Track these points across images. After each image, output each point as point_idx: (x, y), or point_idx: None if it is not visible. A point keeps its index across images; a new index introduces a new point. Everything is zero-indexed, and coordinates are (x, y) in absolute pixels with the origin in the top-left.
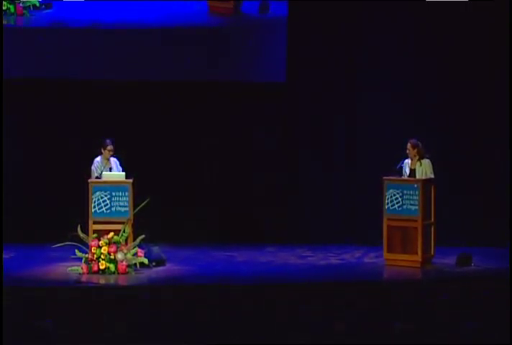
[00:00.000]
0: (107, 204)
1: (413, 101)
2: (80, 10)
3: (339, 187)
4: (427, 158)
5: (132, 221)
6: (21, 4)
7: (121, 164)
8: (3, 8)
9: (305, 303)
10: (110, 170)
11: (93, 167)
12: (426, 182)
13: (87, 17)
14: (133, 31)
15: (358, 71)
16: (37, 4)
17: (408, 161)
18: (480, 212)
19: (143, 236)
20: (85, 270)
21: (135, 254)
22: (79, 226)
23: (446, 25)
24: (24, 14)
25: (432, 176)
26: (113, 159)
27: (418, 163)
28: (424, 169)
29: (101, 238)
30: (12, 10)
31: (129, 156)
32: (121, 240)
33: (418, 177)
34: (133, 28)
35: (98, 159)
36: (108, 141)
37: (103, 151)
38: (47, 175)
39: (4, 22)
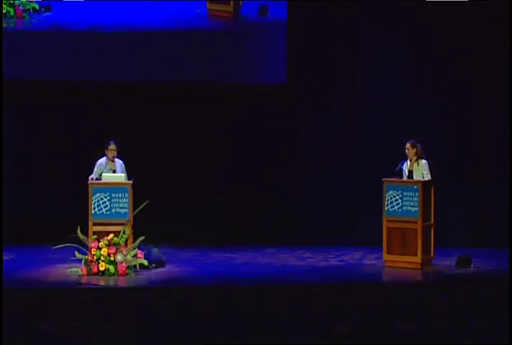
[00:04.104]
0: (107, 205)
1: (413, 101)
2: (79, 13)
3: (339, 188)
4: (424, 159)
5: (132, 223)
6: (20, 7)
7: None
8: (3, 11)
9: (305, 305)
10: (114, 172)
11: (95, 168)
12: (425, 184)
13: (87, 20)
14: (133, 34)
15: (358, 72)
16: (37, 7)
17: (407, 162)
18: (480, 213)
19: (143, 238)
20: (84, 272)
21: (135, 256)
22: (79, 228)
23: (446, 25)
24: (23, 16)
25: (428, 177)
26: (119, 162)
27: (416, 164)
28: (421, 171)
29: (101, 240)
30: (12, 13)
31: (128, 157)
32: (120, 241)
33: (415, 178)
34: (133, 31)
35: (103, 160)
36: (110, 141)
37: (106, 151)
38: (47, 176)
39: (4, 25)
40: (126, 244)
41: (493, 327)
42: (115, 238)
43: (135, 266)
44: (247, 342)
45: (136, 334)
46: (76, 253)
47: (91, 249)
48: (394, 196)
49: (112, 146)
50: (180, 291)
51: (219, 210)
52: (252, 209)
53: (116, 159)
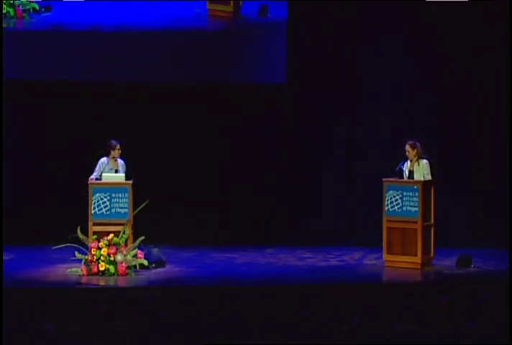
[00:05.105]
0: (107, 205)
1: (413, 101)
2: (79, 13)
3: (339, 188)
4: (425, 159)
5: (132, 223)
6: (20, 7)
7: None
8: (3, 11)
9: (305, 305)
10: (116, 172)
11: (96, 167)
12: (425, 184)
13: (87, 20)
14: (133, 34)
15: (358, 71)
16: (37, 7)
17: (407, 162)
18: (480, 212)
19: (143, 238)
20: (84, 272)
21: (135, 256)
22: (79, 228)
23: (446, 25)
24: (23, 17)
25: (429, 177)
26: (120, 162)
27: (416, 164)
28: (421, 171)
29: (101, 240)
30: (12, 13)
31: (128, 157)
32: (120, 241)
33: (416, 178)
34: (133, 31)
35: (104, 159)
36: (114, 141)
37: (111, 151)
38: (47, 176)
39: (4, 25)
40: (126, 244)
41: (493, 327)
42: (115, 238)
43: (135, 266)
44: (247, 342)
45: (136, 334)
46: (76, 253)
47: (91, 249)
48: (394, 196)
49: (119, 146)
50: (180, 291)
51: (219, 210)
52: (252, 209)
53: (118, 159)
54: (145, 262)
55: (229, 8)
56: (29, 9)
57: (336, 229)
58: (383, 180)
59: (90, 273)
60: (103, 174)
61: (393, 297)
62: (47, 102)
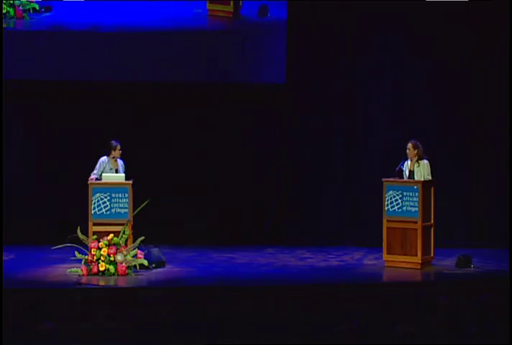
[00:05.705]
0: (107, 206)
1: (413, 102)
2: (79, 13)
3: (339, 188)
4: (426, 159)
5: (132, 223)
6: (20, 7)
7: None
8: (3, 11)
9: (305, 305)
10: (116, 172)
11: (97, 165)
12: (425, 184)
13: (86, 20)
14: (132, 34)
15: (358, 72)
16: (37, 7)
17: (407, 162)
18: (480, 213)
19: (143, 238)
20: (84, 272)
21: (135, 256)
22: (79, 228)
23: (446, 25)
24: (23, 17)
25: (430, 178)
26: (120, 162)
27: (417, 164)
28: (422, 171)
29: (101, 240)
30: (12, 13)
31: (128, 157)
32: (120, 241)
33: (416, 178)
34: (132, 31)
35: (104, 158)
36: (115, 142)
37: (112, 152)
38: (47, 177)
39: (4, 25)
40: (126, 244)
41: (493, 327)
42: (115, 239)
43: (135, 266)
44: (247, 342)
45: (137, 334)
46: (76, 253)
47: (91, 249)
48: (394, 196)
49: (119, 147)
50: (180, 291)
51: (219, 211)
52: (252, 209)
53: (118, 159)
54: (145, 262)
55: (229, 8)
56: (29, 9)
57: (336, 229)
58: (383, 180)
59: (90, 273)
60: (103, 174)
61: (393, 297)
62: (47, 102)
